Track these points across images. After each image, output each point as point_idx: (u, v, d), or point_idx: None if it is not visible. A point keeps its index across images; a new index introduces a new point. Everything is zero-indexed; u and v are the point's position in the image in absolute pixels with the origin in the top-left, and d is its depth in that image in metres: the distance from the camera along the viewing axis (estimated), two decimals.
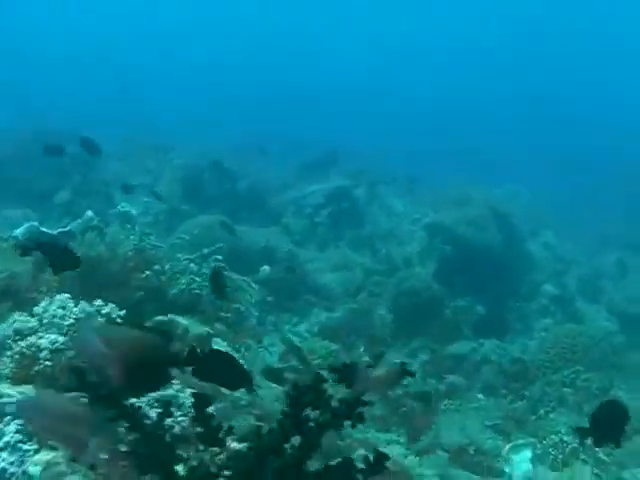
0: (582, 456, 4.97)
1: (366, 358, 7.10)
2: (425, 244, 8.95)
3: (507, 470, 5.38)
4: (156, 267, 4.94)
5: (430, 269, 8.29)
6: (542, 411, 6.31)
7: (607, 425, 5.51)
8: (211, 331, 4.82)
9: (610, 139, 20.26)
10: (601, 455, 4.99)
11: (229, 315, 5.63)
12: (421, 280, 7.97)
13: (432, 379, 6.82)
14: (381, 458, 2.03)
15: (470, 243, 8.70)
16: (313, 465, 2.11)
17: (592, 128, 22.29)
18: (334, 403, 2.09)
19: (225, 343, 4.78)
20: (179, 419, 2.87)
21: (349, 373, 2.36)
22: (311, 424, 2.08)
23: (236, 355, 4.22)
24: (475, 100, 26.22)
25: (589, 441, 5.37)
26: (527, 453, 5.51)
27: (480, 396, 6.74)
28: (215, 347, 4.73)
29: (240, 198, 9.76)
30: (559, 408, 6.36)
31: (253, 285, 5.80)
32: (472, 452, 5.51)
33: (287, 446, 2.07)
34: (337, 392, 2.16)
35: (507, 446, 5.64)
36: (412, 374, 2.51)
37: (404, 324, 7.60)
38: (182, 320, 4.66)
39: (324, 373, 2.17)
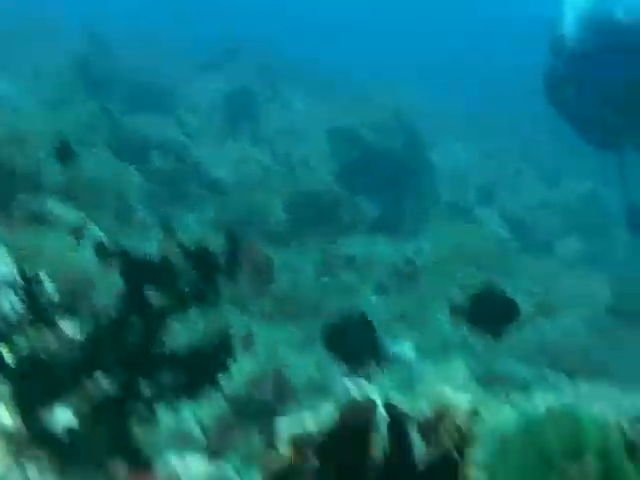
0: (459, 349, 5.06)
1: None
2: (325, 145, 8.83)
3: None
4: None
5: (328, 169, 8.19)
6: (429, 309, 6.38)
7: (487, 314, 5.65)
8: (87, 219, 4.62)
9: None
10: (479, 347, 5.08)
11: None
12: (318, 180, 7.88)
13: (325, 277, 6.80)
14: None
15: (372, 146, 8.63)
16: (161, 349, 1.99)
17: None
18: (180, 285, 1.96)
19: (102, 234, 4.59)
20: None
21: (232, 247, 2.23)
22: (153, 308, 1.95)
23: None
24: None
25: (466, 331, 5.52)
26: (410, 347, 5.60)
27: (371, 294, 6.76)
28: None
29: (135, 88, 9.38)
30: (446, 307, 6.45)
31: (135, 173, 5.58)
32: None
33: (128, 332, 1.93)
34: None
35: (391, 340, 5.71)
36: None
37: (299, 223, 7.52)
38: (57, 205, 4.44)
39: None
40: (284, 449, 1.36)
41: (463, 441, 1.38)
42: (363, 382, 1.30)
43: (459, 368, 4.01)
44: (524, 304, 6.39)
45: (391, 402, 1.28)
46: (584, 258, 8.18)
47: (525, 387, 4.59)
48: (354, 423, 1.31)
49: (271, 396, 3.16)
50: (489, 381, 4.49)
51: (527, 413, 1.55)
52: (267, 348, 4.13)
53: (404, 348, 5.60)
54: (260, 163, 8.31)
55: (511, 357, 5.05)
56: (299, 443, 1.37)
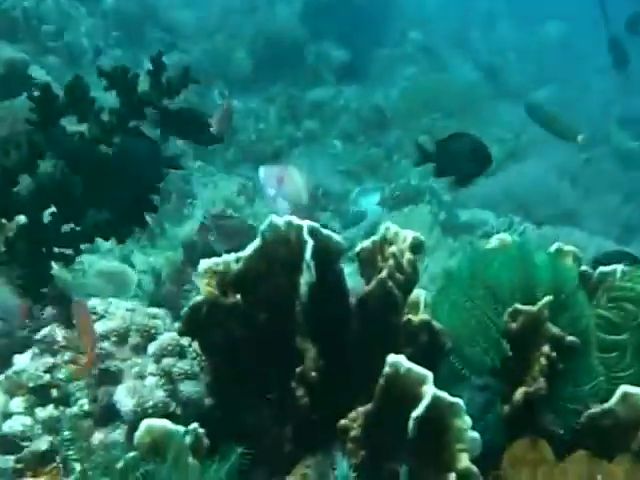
0: (425, 197, 4.94)
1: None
2: None
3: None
4: None
5: (293, 10, 7.77)
6: (396, 157, 6.22)
7: (455, 161, 5.45)
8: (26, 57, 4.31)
9: None
10: (445, 196, 4.97)
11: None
12: (283, 22, 7.49)
13: (289, 125, 6.59)
14: None
15: None
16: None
17: None
18: (104, 117, 1.74)
19: (50, 77, 4.29)
20: None
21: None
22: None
23: None
24: None
25: (432, 179, 5.37)
26: (375, 196, 5.49)
27: (337, 143, 6.58)
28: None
29: None
30: (413, 155, 6.29)
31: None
32: (320, 194, 5.40)
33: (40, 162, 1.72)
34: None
35: (356, 189, 5.58)
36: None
37: (264, 68, 7.20)
38: None
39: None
40: (201, 284, 1.21)
41: (404, 274, 1.22)
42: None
43: (424, 216, 3.89)
44: (494, 151, 6.26)
45: (319, 229, 1.11)
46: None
47: (490, 235, 4.49)
48: (275, 253, 1.15)
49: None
50: (455, 229, 4.39)
51: (477, 250, 1.40)
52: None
53: (369, 196, 5.48)
54: (220, 4, 7.84)
55: (478, 205, 4.93)
56: (215, 277, 1.21)
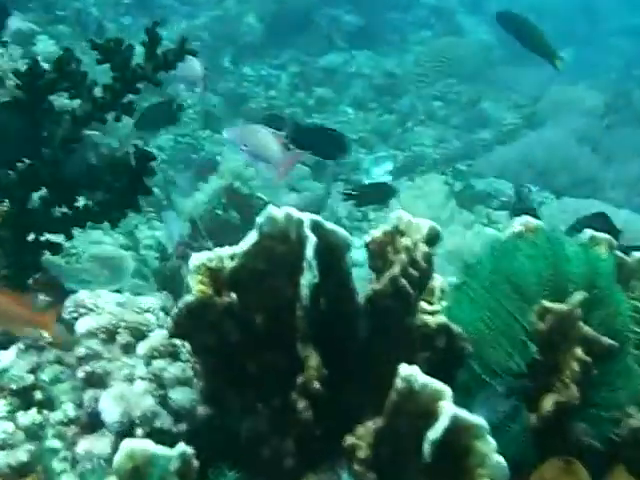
0: (439, 167, 4.79)
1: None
2: None
3: (366, 182, 5.19)
4: None
5: None
6: (410, 124, 6.06)
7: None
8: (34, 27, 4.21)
9: None
10: (460, 165, 4.82)
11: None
12: None
13: (301, 92, 6.45)
14: None
15: None
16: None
17: None
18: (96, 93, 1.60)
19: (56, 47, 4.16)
20: None
21: None
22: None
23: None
24: None
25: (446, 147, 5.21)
26: (388, 165, 5.35)
27: (349, 110, 6.43)
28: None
29: None
30: (427, 121, 6.14)
31: None
32: (332, 164, 5.26)
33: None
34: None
35: (368, 158, 5.44)
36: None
37: (274, 34, 7.03)
38: None
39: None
40: (192, 282, 1.08)
41: (418, 270, 1.09)
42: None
43: (439, 187, 3.74)
44: (510, 117, 6.08)
45: (322, 223, 0.98)
46: (575, 68, 7.72)
47: (509, 206, 4.34)
48: (273, 249, 1.02)
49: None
50: (470, 200, 4.24)
51: (498, 236, 1.25)
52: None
53: (381, 165, 5.34)
54: None
55: (495, 174, 4.76)
56: (208, 274, 1.08)
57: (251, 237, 1.05)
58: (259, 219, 1.03)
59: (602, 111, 5.88)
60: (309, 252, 0.97)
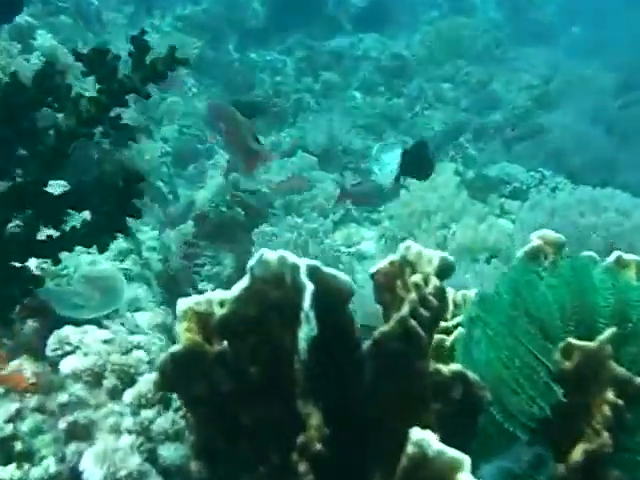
0: (450, 152, 4.66)
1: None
2: None
3: (376, 170, 5.09)
4: None
5: None
6: (418, 108, 5.93)
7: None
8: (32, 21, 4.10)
9: None
10: (471, 150, 4.69)
11: None
12: None
13: (307, 77, 6.34)
14: None
15: None
16: None
17: None
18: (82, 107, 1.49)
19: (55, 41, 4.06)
20: None
21: None
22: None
23: None
24: None
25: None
26: (397, 152, 5.21)
27: (356, 94, 6.31)
28: None
29: None
30: (436, 104, 6.00)
31: None
32: (340, 152, 5.15)
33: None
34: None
35: (376, 145, 5.32)
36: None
37: (280, 18, 6.91)
38: None
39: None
40: (179, 329, 0.97)
41: (430, 309, 0.98)
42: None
43: (449, 177, 3.62)
44: (522, 98, 5.92)
45: (320, 268, 0.87)
46: (587, 46, 7.55)
47: (522, 193, 4.23)
48: (267, 295, 0.91)
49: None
50: (482, 189, 4.11)
51: (518, 269, 1.13)
52: None
53: (390, 152, 5.22)
54: None
55: (507, 159, 4.63)
56: (197, 320, 0.98)
57: (243, 282, 0.94)
58: (251, 262, 0.92)
59: (615, 90, 5.72)
60: (306, 303, 0.86)
